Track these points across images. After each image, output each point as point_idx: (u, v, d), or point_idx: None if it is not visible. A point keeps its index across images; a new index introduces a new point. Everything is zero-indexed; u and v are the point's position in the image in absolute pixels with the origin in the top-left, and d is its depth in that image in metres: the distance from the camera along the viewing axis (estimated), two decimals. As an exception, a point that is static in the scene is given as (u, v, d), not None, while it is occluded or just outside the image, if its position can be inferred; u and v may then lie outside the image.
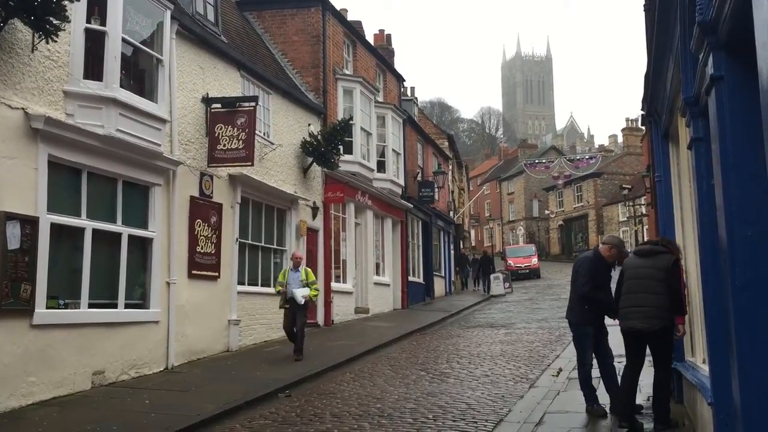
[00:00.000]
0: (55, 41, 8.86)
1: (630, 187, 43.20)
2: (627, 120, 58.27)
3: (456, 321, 20.64)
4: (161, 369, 11.22)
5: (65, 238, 9.76)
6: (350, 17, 24.81)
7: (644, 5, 7.90)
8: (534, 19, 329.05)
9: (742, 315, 3.57)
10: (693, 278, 6.81)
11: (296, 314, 12.24)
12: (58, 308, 9.42)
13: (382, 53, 26.22)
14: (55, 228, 9.33)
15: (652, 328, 6.64)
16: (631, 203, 44.23)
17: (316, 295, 12.85)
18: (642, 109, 9.97)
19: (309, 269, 12.92)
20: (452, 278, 34.76)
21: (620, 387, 7.29)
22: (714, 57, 3.75)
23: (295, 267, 12.56)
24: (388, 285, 23.62)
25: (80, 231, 9.83)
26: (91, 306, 9.90)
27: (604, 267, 7.84)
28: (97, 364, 9.83)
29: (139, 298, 11.20)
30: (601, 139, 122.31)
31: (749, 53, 2.84)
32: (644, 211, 39.03)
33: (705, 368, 5.73)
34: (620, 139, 69.55)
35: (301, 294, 12.17)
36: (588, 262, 7.88)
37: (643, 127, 18.37)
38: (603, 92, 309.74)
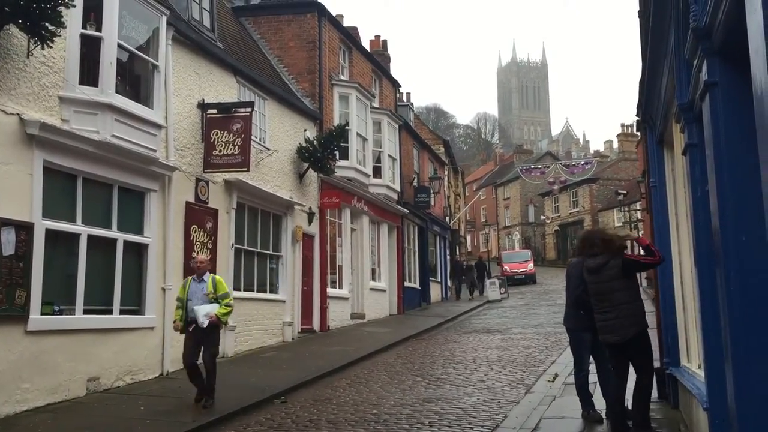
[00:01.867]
0: (51, 47, 8.85)
1: (625, 192, 43.25)
2: (622, 125, 58.46)
3: (452, 326, 20.63)
4: (157, 375, 11.19)
5: (60, 244, 9.73)
6: (346, 21, 24.86)
7: (639, 12, 7.92)
8: (529, 25, 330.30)
9: (737, 320, 3.57)
10: (688, 283, 6.82)
11: (201, 342, 9.00)
12: (53, 314, 9.38)
13: (377, 59, 26.26)
14: (50, 234, 9.31)
15: (626, 338, 6.67)
16: (626, 209, 44.31)
17: (227, 313, 9.26)
18: (637, 115, 9.98)
19: (219, 278, 9.53)
20: (448, 283, 34.78)
21: (610, 395, 7.29)
22: (708, 63, 3.76)
23: (199, 276, 9.29)
24: (384, 290, 23.61)
25: (75, 237, 9.80)
26: (86, 312, 9.87)
27: None
28: (92, 371, 9.80)
29: (135, 304, 11.17)
30: (596, 145, 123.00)
31: (743, 59, 2.85)
32: (640, 217, 39.09)
33: (700, 373, 5.74)
34: (615, 145, 69.71)
35: (203, 313, 8.90)
36: (579, 267, 7.90)
37: (639, 133, 18.42)
38: (598, 98, 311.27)
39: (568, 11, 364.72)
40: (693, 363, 6.69)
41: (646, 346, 6.80)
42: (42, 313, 9.04)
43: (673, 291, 7.71)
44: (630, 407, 6.97)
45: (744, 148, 3.46)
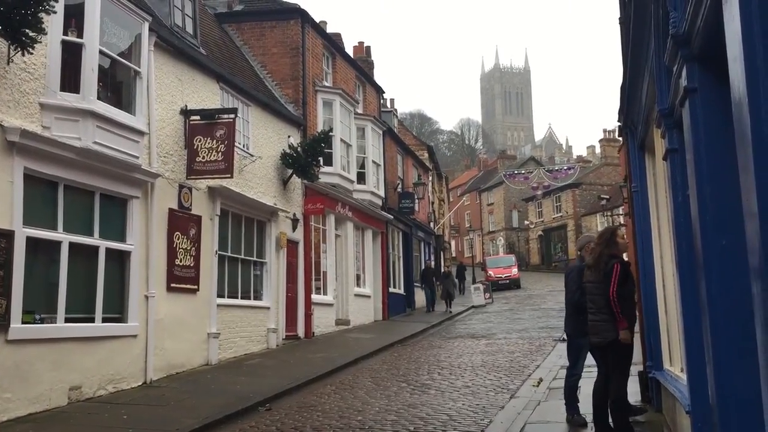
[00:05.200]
0: (31, 53, 8.78)
1: (608, 197, 43.52)
2: (604, 131, 58.82)
3: (437, 332, 20.64)
4: (140, 383, 11.09)
5: (41, 252, 9.63)
6: (330, 28, 24.89)
7: (619, 18, 7.99)
8: (512, 31, 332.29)
9: (717, 324, 3.60)
10: (670, 287, 6.87)
11: None
12: (34, 323, 9.28)
13: (361, 65, 26.31)
14: (31, 242, 9.21)
15: (605, 341, 6.74)
16: (609, 213, 44.58)
17: None
18: (619, 121, 10.06)
19: None
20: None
21: (593, 395, 7.31)
22: (687, 69, 3.80)
23: None
24: (369, 296, 23.59)
25: (57, 244, 9.71)
26: (67, 320, 9.77)
27: None
28: (74, 380, 9.69)
29: (117, 311, 11.07)
30: (579, 150, 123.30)
31: (722, 65, 2.88)
32: (622, 221, 39.34)
33: (683, 377, 5.77)
34: (598, 150, 70.08)
35: None
36: (576, 271, 7.92)
37: (621, 138, 18.56)
38: (581, 103, 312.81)
39: (551, 18, 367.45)
40: (676, 366, 6.73)
41: (625, 354, 6.82)
42: (23, 322, 8.94)
43: (655, 295, 7.76)
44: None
45: (723, 153, 3.49)
